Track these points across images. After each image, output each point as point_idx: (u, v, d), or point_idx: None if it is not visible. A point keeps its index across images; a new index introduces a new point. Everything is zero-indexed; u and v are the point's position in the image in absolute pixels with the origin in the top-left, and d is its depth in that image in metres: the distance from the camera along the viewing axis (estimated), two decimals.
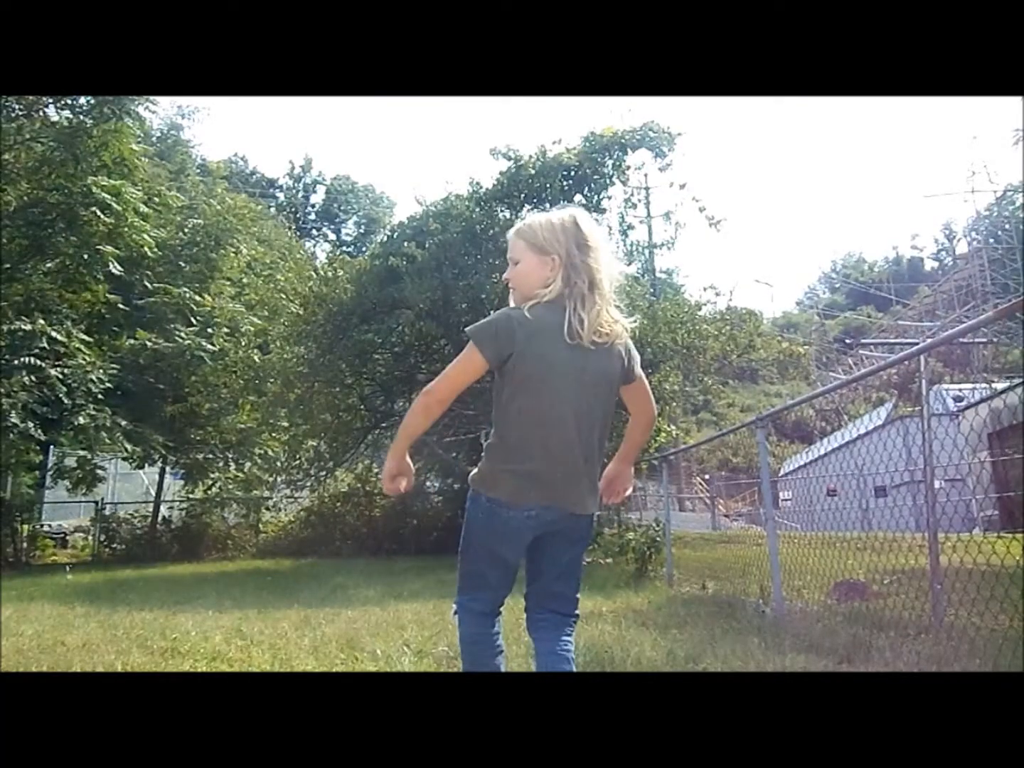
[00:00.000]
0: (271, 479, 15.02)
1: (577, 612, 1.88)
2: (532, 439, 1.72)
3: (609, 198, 12.75)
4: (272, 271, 17.16)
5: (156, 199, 15.93)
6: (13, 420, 11.27)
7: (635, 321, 1.87)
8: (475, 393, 12.31)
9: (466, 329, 1.73)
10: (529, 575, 1.92)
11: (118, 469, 18.49)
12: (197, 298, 14.71)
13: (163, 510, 15.42)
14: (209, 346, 14.04)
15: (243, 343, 14.62)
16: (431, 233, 11.81)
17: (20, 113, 13.03)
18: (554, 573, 1.87)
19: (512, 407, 1.73)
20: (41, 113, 13.36)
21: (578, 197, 12.53)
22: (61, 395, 11.86)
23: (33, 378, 11.60)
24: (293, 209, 52.90)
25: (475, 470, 1.83)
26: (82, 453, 12.70)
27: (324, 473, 14.08)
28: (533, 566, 1.90)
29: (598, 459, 1.84)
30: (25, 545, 13.81)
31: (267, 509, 15.26)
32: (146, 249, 14.18)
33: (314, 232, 55.93)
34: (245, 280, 16.62)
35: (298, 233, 41.09)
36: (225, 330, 14.72)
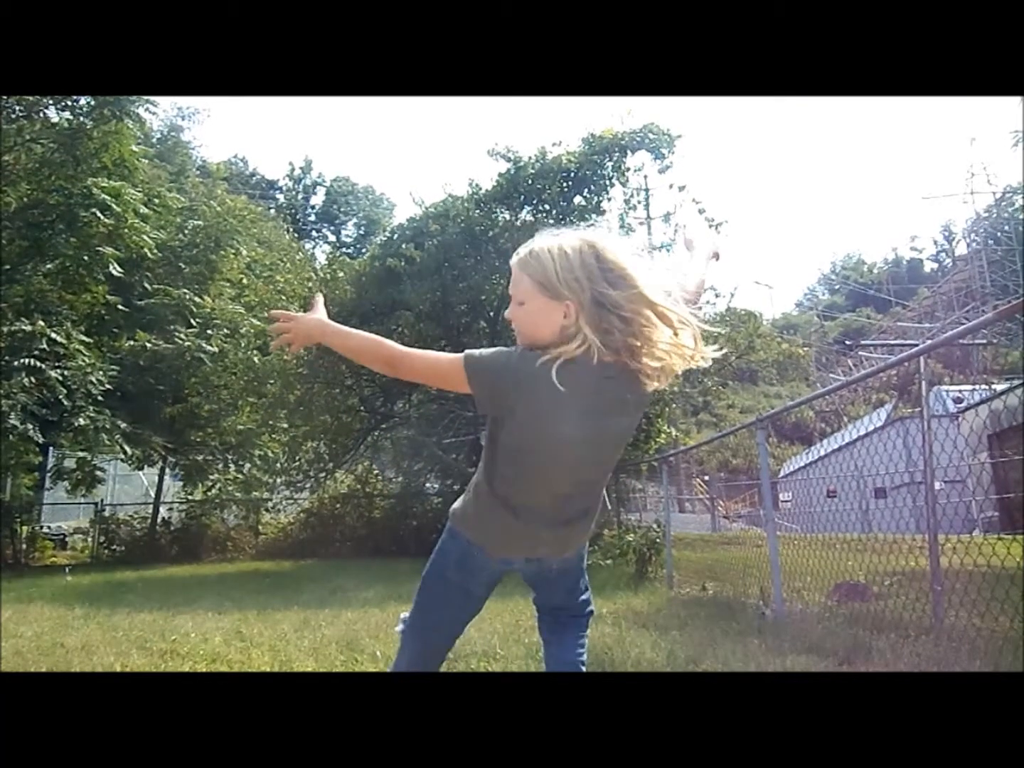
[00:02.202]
0: (271, 480, 15.01)
1: (591, 608, 1.76)
2: (524, 496, 1.47)
3: (609, 200, 12.77)
4: (272, 272, 17.15)
5: (156, 200, 15.95)
6: (12, 421, 11.27)
7: (720, 349, 1.50)
8: None
9: (465, 356, 1.41)
10: (531, 587, 1.76)
11: (117, 470, 18.48)
12: (197, 299, 14.71)
13: (163, 511, 15.41)
14: (209, 347, 14.04)
15: (243, 344, 14.61)
16: (430, 235, 11.82)
17: (20, 114, 13.04)
18: (555, 599, 1.74)
19: (505, 455, 1.46)
20: (41, 114, 13.36)
21: (578, 199, 12.54)
22: (61, 397, 11.86)
23: (33, 379, 11.59)
24: (293, 210, 52.95)
25: (459, 504, 1.63)
26: (82, 454, 12.69)
27: (324, 474, 14.08)
28: (530, 586, 1.74)
29: (600, 498, 1.61)
30: (24, 546, 13.80)
31: (267, 510, 15.25)
32: (146, 250, 14.18)
33: (314, 233, 55.98)
34: (245, 281, 16.62)
35: (298, 235, 41.10)
36: (225, 331, 14.72)
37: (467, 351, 1.42)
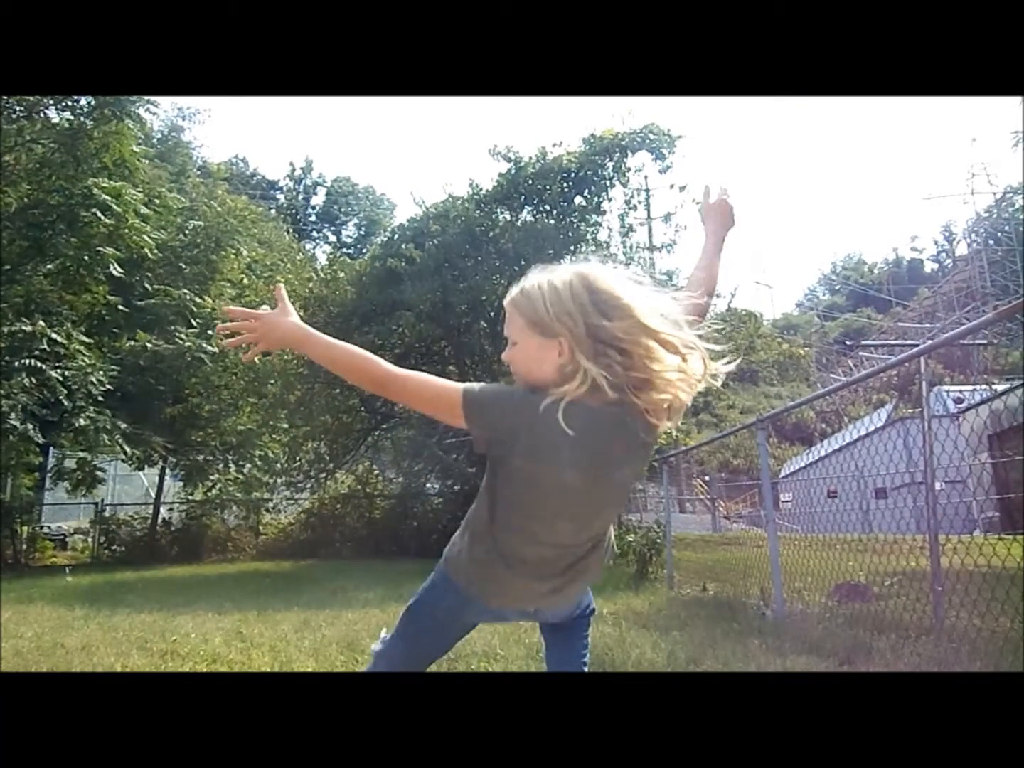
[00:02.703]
0: (271, 481, 15.02)
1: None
2: (523, 547, 1.37)
3: (609, 200, 12.78)
4: (273, 273, 17.17)
5: (157, 201, 15.97)
6: (13, 422, 11.28)
7: (730, 361, 1.35)
8: None
9: (464, 391, 1.29)
10: None
11: (118, 471, 18.48)
12: (197, 300, 14.72)
13: (163, 512, 15.42)
14: (209, 348, 14.04)
15: (243, 344, 14.60)
16: (431, 235, 11.83)
17: (21, 115, 13.05)
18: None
19: (502, 502, 1.35)
20: (42, 115, 13.38)
21: (578, 199, 12.54)
22: (61, 397, 11.87)
23: (33, 380, 11.60)
24: (294, 211, 52.98)
25: (453, 548, 1.49)
26: (82, 455, 12.70)
27: (324, 475, 14.08)
28: None
29: (605, 546, 1.49)
30: (25, 547, 13.80)
31: (267, 511, 15.25)
32: (146, 251, 14.20)
33: (314, 234, 56.01)
34: (245, 282, 16.63)
35: (298, 235, 41.13)
36: None
37: (466, 385, 1.30)
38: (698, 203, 1.79)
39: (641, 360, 1.24)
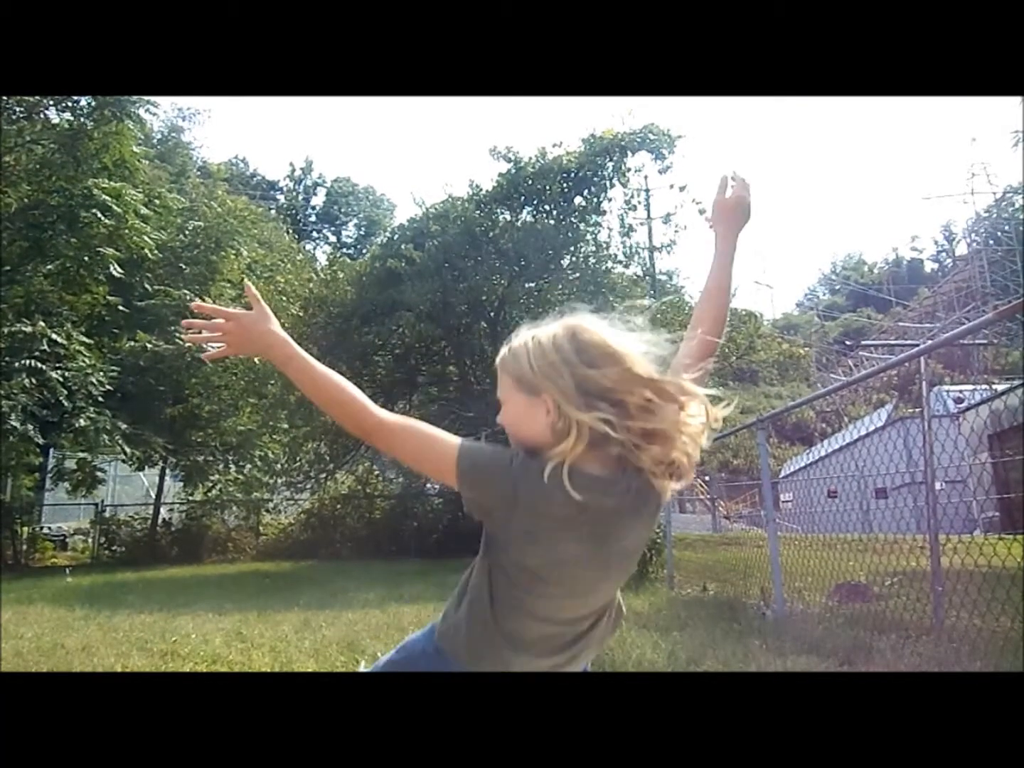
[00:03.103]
0: (271, 481, 15.03)
1: None
2: (524, 627, 1.26)
3: (609, 200, 12.79)
4: (273, 273, 17.18)
5: (157, 201, 15.98)
6: (13, 423, 11.28)
7: (727, 405, 1.23)
8: (476, 395, 12.33)
9: (459, 451, 1.20)
10: None
11: (118, 471, 18.49)
12: (198, 300, 14.72)
13: (163, 512, 15.42)
14: (209, 348, 14.04)
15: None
16: (431, 235, 11.83)
17: (21, 115, 13.07)
18: None
19: (499, 576, 1.24)
20: (42, 115, 13.39)
21: (578, 199, 12.55)
22: (61, 398, 11.87)
23: (33, 380, 11.61)
24: (294, 211, 53.01)
25: (449, 622, 1.32)
26: (82, 455, 12.71)
27: (324, 475, 14.09)
28: None
29: (611, 615, 1.38)
30: (25, 547, 13.81)
31: (267, 511, 15.26)
32: (147, 251, 14.21)
33: (314, 234, 56.04)
34: (246, 282, 16.63)
35: (298, 235, 41.15)
36: None
37: (462, 443, 1.20)
38: (701, 207, 1.71)
39: (637, 411, 1.15)
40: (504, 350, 1.28)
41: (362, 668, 1.53)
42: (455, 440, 1.21)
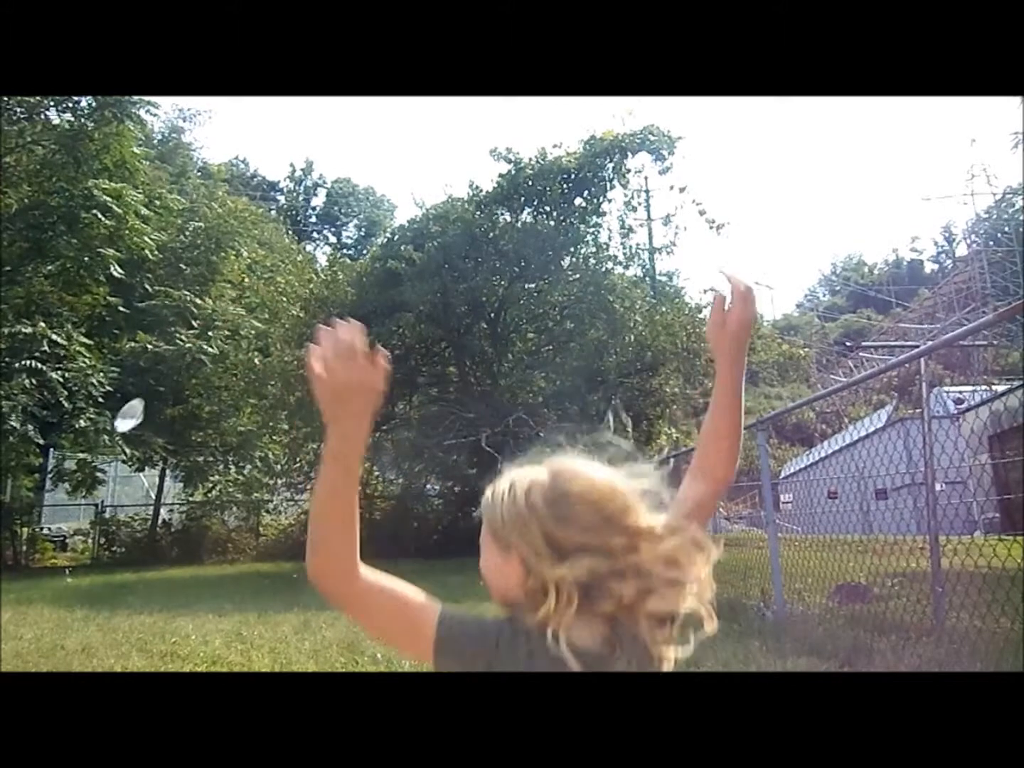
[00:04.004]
0: (271, 482, 15.02)
1: None
2: None
3: (609, 201, 12.80)
4: (273, 274, 17.19)
5: (157, 202, 16.00)
6: (13, 423, 11.29)
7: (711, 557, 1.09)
8: (476, 396, 12.33)
9: (438, 622, 1.03)
10: None
11: (118, 472, 18.49)
12: (198, 301, 14.73)
13: (163, 513, 15.42)
14: (210, 349, 14.06)
15: (244, 346, 14.63)
16: (431, 236, 11.84)
17: (22, 116, 13.08)
18: None
19: None
20: (42, 116, 13.42)
21: (578, 200, 12.56)
22: (61, 398, 11.88)
23: (34, 381, 11.61)
24: (294, 212, 53.04)
25: None
26: (82, 456, 12.71)
27: None
28: None
29: None
30: (25, 548, 13.81)
31: (267, 512, 15.25)
32: (147, 252, 14.23)
33: (315, 235, 56.03)
34: (246, 283, 16.65)
35: (298, 236, 41.17)
36: (226, 333, 14.75)
37: (442, 610, 1.04)
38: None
39: (617, 558, 1.01)
40: (488, 491, 1.13)
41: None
42: (433, 606, 1.05)
